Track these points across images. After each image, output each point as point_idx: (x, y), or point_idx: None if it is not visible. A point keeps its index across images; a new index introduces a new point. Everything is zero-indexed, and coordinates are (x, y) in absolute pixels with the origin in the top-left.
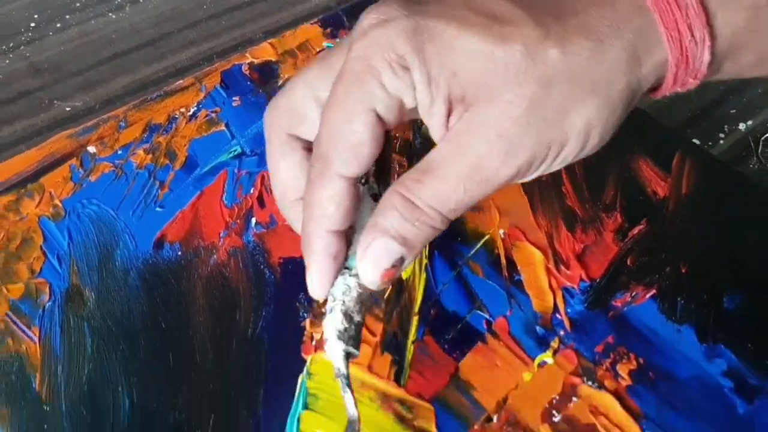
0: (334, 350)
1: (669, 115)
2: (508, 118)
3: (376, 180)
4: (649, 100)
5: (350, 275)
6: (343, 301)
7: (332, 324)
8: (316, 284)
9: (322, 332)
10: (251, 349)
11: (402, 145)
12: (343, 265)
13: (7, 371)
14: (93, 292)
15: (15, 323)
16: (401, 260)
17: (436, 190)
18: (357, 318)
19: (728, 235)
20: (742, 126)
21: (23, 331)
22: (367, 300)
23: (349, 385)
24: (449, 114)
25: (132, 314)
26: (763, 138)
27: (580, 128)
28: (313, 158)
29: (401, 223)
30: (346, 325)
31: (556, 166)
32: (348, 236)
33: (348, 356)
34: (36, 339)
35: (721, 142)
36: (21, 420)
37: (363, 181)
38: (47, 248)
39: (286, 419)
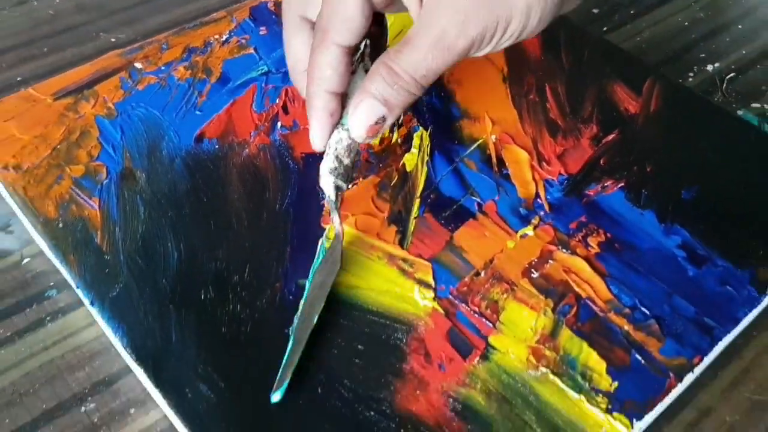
0: (326, 183)
1: (645, 56)
2: None
3: (370, 60)
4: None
5: (343, 129)
6: (336, 148)
7: (326, 164)
8: (316, 136)
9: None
10: (279, 219)
11: None
12: (338, 122)
13: (73, 230)
14: (144, 173)
15: (78, 195)
16: (383, 119)
17: (410, 58)
18: (346, 161)
19: (689, 144)
20: (710, 67)
21: (85, 201)
22: (354, 149)
23: (337, 210)
24: None
25: (177, 191)
26: (727, 77)
27: (521, 7)
28: (315, 31)
29: (384, 87)
30: (336, 165)
31: (505, 42)
32: (343, 101)
33: (337, 188)
34: (96, 207)
35: (690, 79)
36: (86, 266)
37: (359, 59)
38: (103, 139)
39: (308, 270)
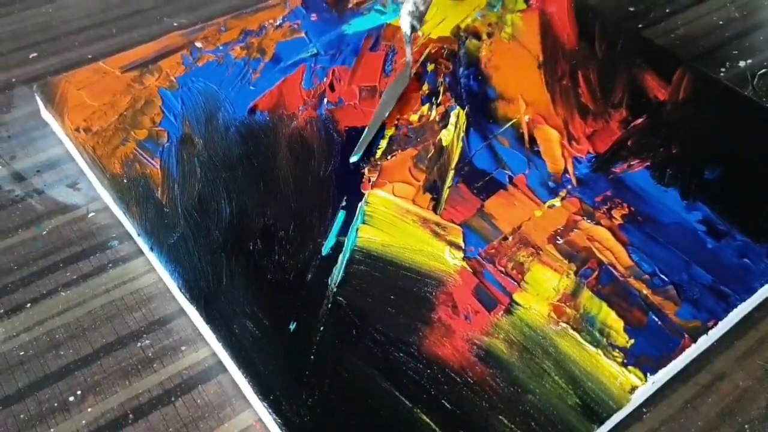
0: (405, 22)
1: (678, 51)
2: None
3: None
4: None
5: None
6: None
7: (406, 8)
8: None
9: (377, 175)
10: (323, 184)
11: (449, 53)
12: None
13: (136, 185)
14: (201, 139)
15: (141, 155)
16: None
17: None
18: (421, 8)
19: (715, 129)
20: (742, 63)
21: (147, 161)
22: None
23: (409, 43)
24: None
25: (231, 155)
26: (759, 73)
27: None
28: None
29: None
30: (413, 9)
31: None
32: None
33: (412, 27)
34: (157, 166)
35: (722, 74)
36: (147, 216)
37: None
38: (165, 108)
39: (348, 229)
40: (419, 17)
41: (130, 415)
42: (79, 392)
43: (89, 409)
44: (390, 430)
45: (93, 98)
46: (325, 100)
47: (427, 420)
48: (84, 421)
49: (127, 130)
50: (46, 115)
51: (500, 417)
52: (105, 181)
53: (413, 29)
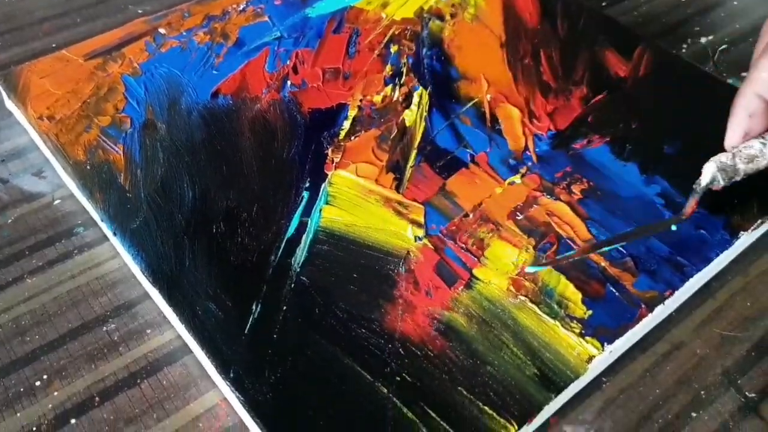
0: (707, 171)
1: (641, 29)
2: None
3: None
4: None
5: (760, 142)
6: (741, 151)
7: (721, 156)
8: (729, 131)
9: (341, 156)
10: (286, 166)
11: (412, 34)
12: (760, 134)
13: (100, 171)
14: (164, 124)
15: (105, 142)
16: None
17: None
18: (740, 165)
19: (675, 104)
20: (703, 40)
21: (110, 147)
22: (757, 166)
23: (697, 195)
24: None
25: (194, 139)
26: (720, 48)
27: None
28: None
29: None
30: (730, 164)
31: None
32: None
33: (712, 180)
34: (120, 152)
35: (683, 50)
36: (110, 202)
37: None
38: (128, 95)
39: (312, 210)
40: (730, 175)
41: (96, 398)
42: (45, 377)
43: (55, 393)
44: (351, 404)
45: (56, 86)
46: (289, 82)
47: (388, 393)
48: (50, 405)
49: (91, 117)
50: (10, 104)
51: (459, 388)
52: (69, 168)
53: (711, 182)
